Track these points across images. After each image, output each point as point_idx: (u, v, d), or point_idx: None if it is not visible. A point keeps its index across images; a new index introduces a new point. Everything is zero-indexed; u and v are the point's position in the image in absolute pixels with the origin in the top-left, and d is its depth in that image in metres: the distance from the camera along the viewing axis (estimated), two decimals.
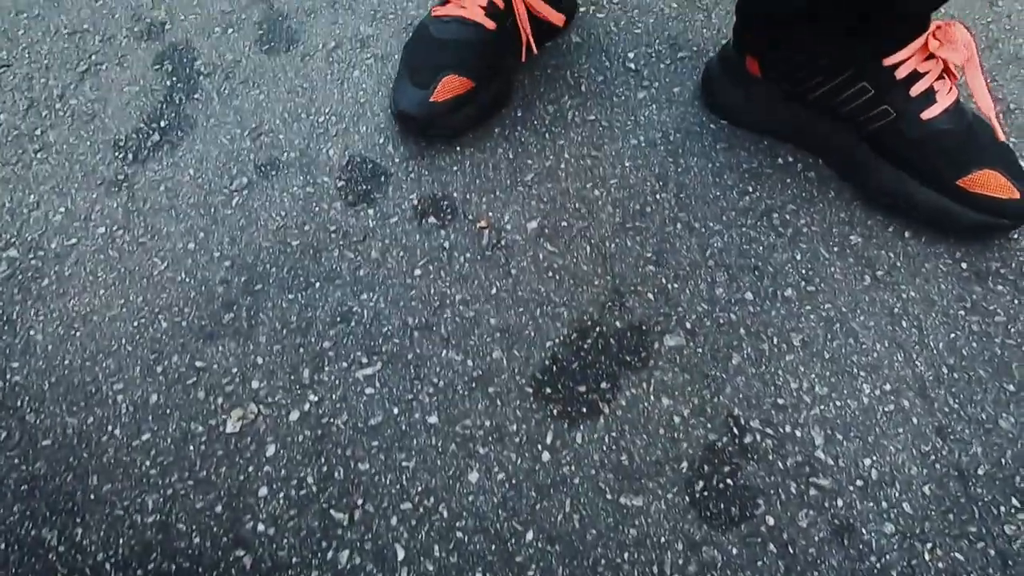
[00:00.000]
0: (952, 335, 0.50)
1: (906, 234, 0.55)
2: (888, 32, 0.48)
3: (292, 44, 0.74)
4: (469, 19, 0.58)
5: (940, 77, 0.50)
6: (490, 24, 0.58)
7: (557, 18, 0.60)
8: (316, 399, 0.49)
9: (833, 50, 0.51)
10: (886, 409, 0.47)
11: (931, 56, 0.50)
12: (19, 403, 0.49)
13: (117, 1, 0.80)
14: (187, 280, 0.55)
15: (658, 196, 0.59)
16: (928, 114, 0.49)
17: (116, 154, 0.64)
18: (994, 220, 0.50)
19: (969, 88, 0.50)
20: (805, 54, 0.53)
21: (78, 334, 0.52)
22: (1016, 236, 0.55)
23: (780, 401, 0.47)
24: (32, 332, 0.53)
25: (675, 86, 0.67)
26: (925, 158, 0.50)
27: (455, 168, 0.61)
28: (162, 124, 0.66)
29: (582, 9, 0.75)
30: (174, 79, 0.71)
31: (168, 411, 0.48)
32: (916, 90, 0.49)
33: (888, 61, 0.50)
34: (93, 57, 0.74)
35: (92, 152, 0.64)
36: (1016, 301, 0.51)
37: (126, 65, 0.73)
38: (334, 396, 0.48)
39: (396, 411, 0.48)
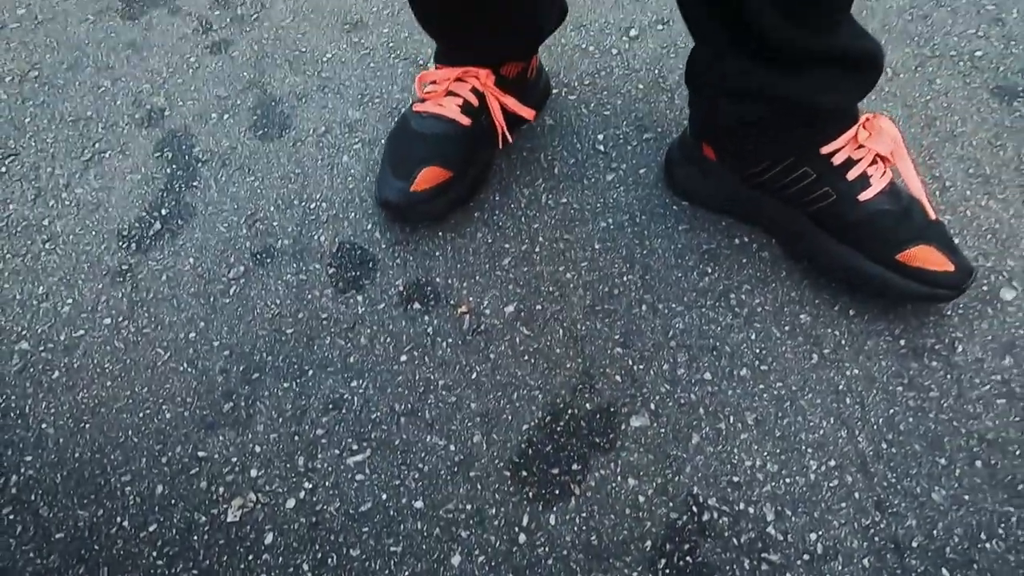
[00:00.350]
0: (891, 411, 0.54)
1: (850, 312, 0.60)
2: (821, 126, 0.54)
3: (285, 129, 0.78)
4: (446, 116, 0.63)
5: (874, 162, 0.55)
6: (465, 120, 0.63)
7: (528, 113, 0.65)
8: (310, 486, 0.52)
9: (775, 142, 0.56)
10: (831, 484, 0.51)
11: (862, 145, 0.56)
12: (33, 497, 0.52)
13: (118, 87, 0.85)
14: (189, 370, 0.59)
15: (625, 278, 0.63)
16: (864, 196, 0.54)
17: (120, 243, 0.68)
18: (932, 291, 0.54)
19: (900, 174, 0.56)
20: (752, 144, 0.58)
21: (87, 426, 0.56)
22: (949, 312, 0.60)
23: (735, 479, 0.51)
24: (44, 425, 0.56)
25: (641, 167, 0.72)
26: (864, 236, 0.55)
27: (438, 253, 0.66)
28: (163, 212, 0.71)
29: (555, 91, 0.80)
30: (174, 166, 0.75)
31: (173, 501, 0.51)
32: (852, 175, 0.54)
33: (825, 149, 0.55)
34: (97, 145, 0.78)
35: (97, 242, 0.68)
36: (948, 376, 0.56)
37: (128, 153, 0.77)
38: (327, 483, 0.52)
39: (384, 497, 0.51)
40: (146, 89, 0.83)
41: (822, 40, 0.47)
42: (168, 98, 0.82)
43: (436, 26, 0.63)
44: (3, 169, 0.75)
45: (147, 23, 0.92)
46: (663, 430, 0.54)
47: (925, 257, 0.53)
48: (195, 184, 0.73)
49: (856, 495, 0.50)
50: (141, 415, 0.56)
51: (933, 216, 0.54)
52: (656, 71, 0.82)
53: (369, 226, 0.68)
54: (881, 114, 0.57)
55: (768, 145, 0.56)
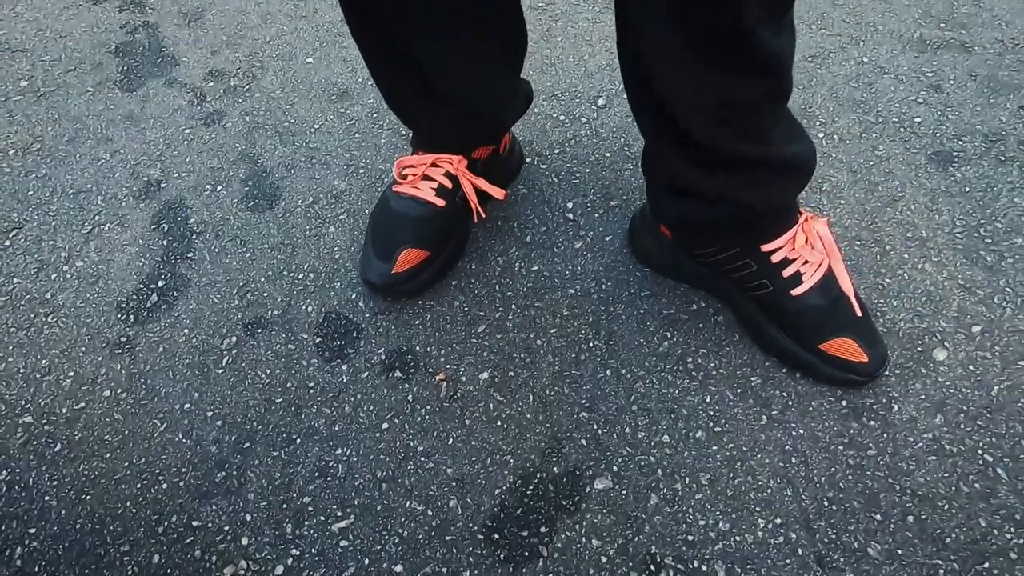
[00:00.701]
0: (832, 469, 0.59)
1: (797, 374, 0.65)
2: (759, 225, 0.60)
3: (275, 200, 0.84)
4: (422, 198, 0.69)
5: (807, 261, 0.61)
6: (440, 202, 0.69)
7: (498, 193, 0.71)
8: (297, 553, 0.56)
9: (717, 235, 0.62)
10: (777, 542, 0.56)
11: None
12: (36, 568, 0.56)
13: (117, 159, 0.90)
14: (184, 441, 0.63)
15: (591, 344, 0.68)
16: (796, 291, 0.60)
17: (119, 316, 0.73)
18: (846, 376, 0.61)
19: (833, 268, 0.61)
20: (696, 233, 0.64)
21: (88, 498, 0.60)
22: (887, 372, 0.65)
23: (690, 538, 0.56)
24: (47, 498, 0.60)
25: (607, 235, 0.78)
26: (793, 325, 0.61)
27: (417, 322, 0.71)
28: (159, 284, 0.75)
29: (528, 160, 0.87)
30: (170, 238, 0.80)
31: (169, 571, 0.55)
32: (787, 272, 0.60)
33: (765, 247, 0.60)
34: (96, 217, 0.83)
35: (97, 315, 0.73)
36: (885, 435, 0.61)
37: (126, 225, 0.82)
38: (313, 550, 0.56)
39: (367, 562, 0.55)
40: (143, 161, 0.89)
41: (756, 148, 0.53)
42: (164, 170, 0.87)
43: (407, 119, 0.69)
44: (7, 243, 0.80)
45: (144, 95, 0.98)
46: (624, 492, 0.58)
47: (843, 348, 0.60)
48: (190, 256, 0.78)
49: (799, 551, 0.55)
50: (139, 486, 0.60)
51: (859, 312, 0.60)
52: (622, 139, 0.89)
53: (353, 296, 0.73)
54: (817, 216, 0.63)
55: (711, 236, 0.62)
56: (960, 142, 0.85)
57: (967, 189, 0.80)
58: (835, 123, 0.89)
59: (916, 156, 0.84)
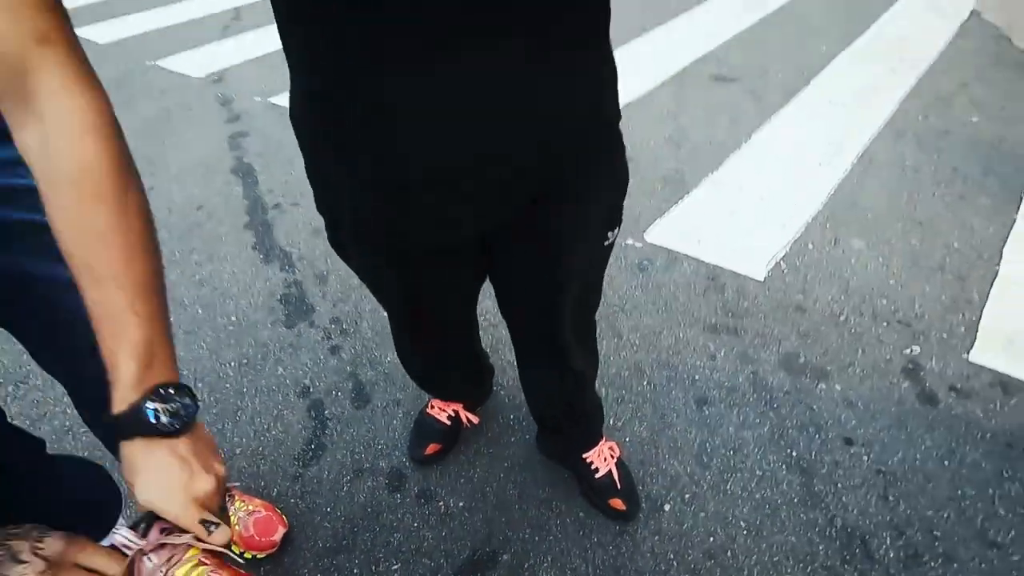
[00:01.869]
0: (604, 555, 1.44)
1: (600, 514, 1.50)
2: (581, 447, 1.49)
3: (367, 403, 1.75)
4: (441, 420, 1.61)
5: (597, 460, 1.49)
6: (448, 423, 1.61)
7: (475, 419, 1.62)
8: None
9: (563, 453, 1.51)
10: None
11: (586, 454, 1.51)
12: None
13: (287, 372, 1.83)
14: (327, 526, 1.49)
15: (511, 491, 1.56)
16: (597, 476, 1.49)
17: (294, 461, 1.62)
18: (619, 516, 1.49)
19: (610, 467, 1.50)
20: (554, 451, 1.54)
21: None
22: (642, 516, 1.50)
23: None
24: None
25: (526, 435, 1.68)
26: (597, 491, 1.51)
27: (434, 475, 1.59)
28: (312, 447, 1.65)
29: (495, 388, 1.78)
30: (316, 422, 1.71)
31: None
32: (592, 467, 1.50)
33: (584, 455, 1.49)
34: (279, 407, 1.76)
35: (283, 461, 1.62)
36: (631, 542, 1.46)
37: (294, 412, 1.74)
38: None
39: None
40: (300, 375, 1.82)
41: (581, 428, 1.44)
42: (320, 383, 1.81)
43: (436, 395, 1.61)
44: (238, 416, 1.71)
45: (298, 331, 1.94)
46: (515, 561, 1.43)
47: (616, 504, 1.50)
48: (326, 432, 1.68)
49: None
50: (312, 556, 1.45)
51: (619, 486, 1.47)
52: None
53: (405, 460, 1.62)
54: (608, 440, 1.52)
55: (559, 452, 1.52)
56: (713, 392, 1.77)
57: (708, 420, 1.70)
58: (654, 376, 1.81)
59: (689, 399, 1.75)
